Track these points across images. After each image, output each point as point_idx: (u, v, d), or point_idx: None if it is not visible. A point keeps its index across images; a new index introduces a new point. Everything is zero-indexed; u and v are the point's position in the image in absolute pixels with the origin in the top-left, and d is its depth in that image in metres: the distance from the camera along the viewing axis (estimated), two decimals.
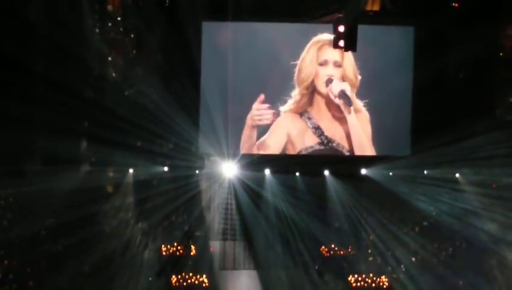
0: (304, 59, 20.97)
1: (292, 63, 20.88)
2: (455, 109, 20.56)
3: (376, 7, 19.72)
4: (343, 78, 21.09)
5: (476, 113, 20.59)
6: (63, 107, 18.68)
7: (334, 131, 21.45)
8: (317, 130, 21.41)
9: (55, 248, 20.05)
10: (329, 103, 21.22)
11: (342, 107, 21.09)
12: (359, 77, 21.16)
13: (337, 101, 21.04)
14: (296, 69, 20.96)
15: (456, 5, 19.97)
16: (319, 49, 20.93)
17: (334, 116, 21.33)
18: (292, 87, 21.08)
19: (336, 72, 21.03)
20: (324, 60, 20.99)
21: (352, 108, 21.16)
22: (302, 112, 21.36)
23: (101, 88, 19.75)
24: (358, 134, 21.31)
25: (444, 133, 20.05)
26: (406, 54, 20.93)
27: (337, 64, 21.01)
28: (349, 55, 20.61)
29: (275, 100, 21.04)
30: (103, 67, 20.20)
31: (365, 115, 21.38)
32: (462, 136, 20.15)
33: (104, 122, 19.08)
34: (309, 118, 21.38)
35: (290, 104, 21.19)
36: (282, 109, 21.21)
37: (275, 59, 20.90)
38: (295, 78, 21.01)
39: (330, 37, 19.58)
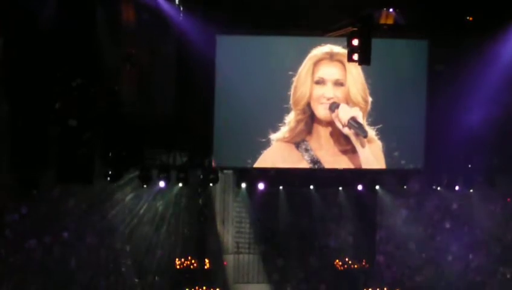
0: (300, 76, 18.11)
1: (289, 81, 18.18)
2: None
3: (390, 21, 19.55)
4: (347, 101, 18.13)
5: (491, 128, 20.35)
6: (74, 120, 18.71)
7: (337, 166, 18.47)
8: (316, 164, 18.33)
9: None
10: (334, 133, 18.27)
11: (353, 138, 18.07)
12: (370, 99, 18.28)
13: (347, 131, 18.07)
14: (292, 88, 18.20)
15: (471, 18, 19.79)
16: (315, 64, 18.08)
17: (338, 148, 18.32)
18: (287, 111, 18.26)
19: (336, 93, 18.12)
20: (321, 79, 18.10)
21: (366, 140, 18.11)
22: (298, 141, 18.33)
23: (113, 101, 19.73)
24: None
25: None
26: (420, 68, 19.25)
27: (339, 83, 18.12)
28: (354, 73, 18.15)
29: (267, 126, 18.33)
30: (116, 80, 20.22)
31: (377, 144, 18.36)
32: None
33: (117, 136, 19.10)
34: (306, 150, 18.32)
35: (284, 131, 18.23)
36: (274, 137, 18.35)
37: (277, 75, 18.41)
38: (291, 99, 18.25)
39: (332, 49, 18.22)
